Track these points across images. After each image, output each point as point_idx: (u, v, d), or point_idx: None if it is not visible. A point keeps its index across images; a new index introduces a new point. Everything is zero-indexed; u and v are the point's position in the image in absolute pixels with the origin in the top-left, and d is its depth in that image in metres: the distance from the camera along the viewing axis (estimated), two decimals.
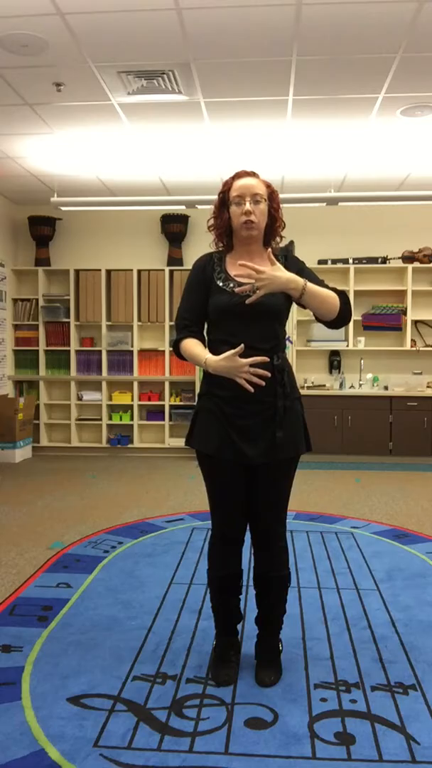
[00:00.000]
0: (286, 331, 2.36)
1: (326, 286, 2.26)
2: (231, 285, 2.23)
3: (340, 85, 4.29)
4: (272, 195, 2.29)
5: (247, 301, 2.12)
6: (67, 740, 1.96)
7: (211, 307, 2.28)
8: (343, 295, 2.26)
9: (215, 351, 2.25)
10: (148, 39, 3.70)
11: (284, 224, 2.35)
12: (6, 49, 3.79)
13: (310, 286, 2.17)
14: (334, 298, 2.22)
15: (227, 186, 2.29)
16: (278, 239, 2.37)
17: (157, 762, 1.87)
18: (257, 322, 2.21)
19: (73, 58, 3.93)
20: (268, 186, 2.30)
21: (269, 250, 2.20)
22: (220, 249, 2.37)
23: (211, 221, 2.35)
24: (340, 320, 2.26)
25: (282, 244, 2.41)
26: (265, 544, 2.34)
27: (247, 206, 2.21)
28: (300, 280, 2.15)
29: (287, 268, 2.25)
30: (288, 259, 2.33)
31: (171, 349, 7.30)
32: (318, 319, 2.29)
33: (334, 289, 2.26)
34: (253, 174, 2.30)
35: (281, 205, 2.34)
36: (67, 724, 2.04)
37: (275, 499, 2.30)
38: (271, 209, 2.28)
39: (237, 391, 2.17)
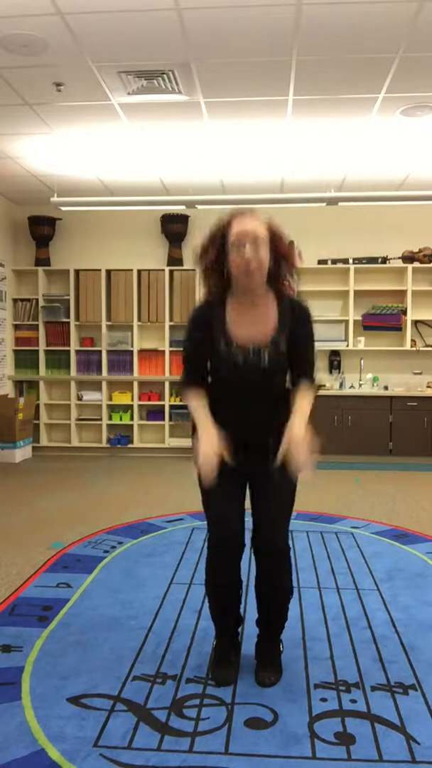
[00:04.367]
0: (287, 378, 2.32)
1: (312, 346, 2.26)
2: (233, 348, 2.17)
3: (340, 85, 4.29)
4: (275, 236, 2.15)
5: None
6: (67, 740, 1.96)
7: (211, 364, 2.25)
8: (312, 373, 2.27)
9: (216, 391, 2.26)
10: (148, 39, 3.70)
11: (296, 267, 2.21)
12: (6, 49, 3.79)
13: (304, 425, 2.16)
14: (310, 405, 2.23)
15: (225, 227, 2.14)
16: (288, 282, 2.21)
17: (157, 762, 1.87)
18: (262, 385, 2.20)
19: (73, 58, 3.93)
20: (270, 226, 2.15)
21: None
22: (216, 293, 2.23)
23: (199, 258, 2.18)
24: None
25: None
26: (267, 558, 2.29)
27: (248, 253, 2.07)
28: (304, 438, 2.14)
29: (294, 320, 2.20)
30: (296, 311, 2.22)
31: (175, 348, 7.31)
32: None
33: (309, 360, 2.26)
34: (252, 214, 2.15)
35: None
36: (67, 724, 2.04)
37: (276, 508, 2.27)
38: (276, 248, 2.14)
39: (233, 423, 2.21)
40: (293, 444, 2.12)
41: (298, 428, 2.15)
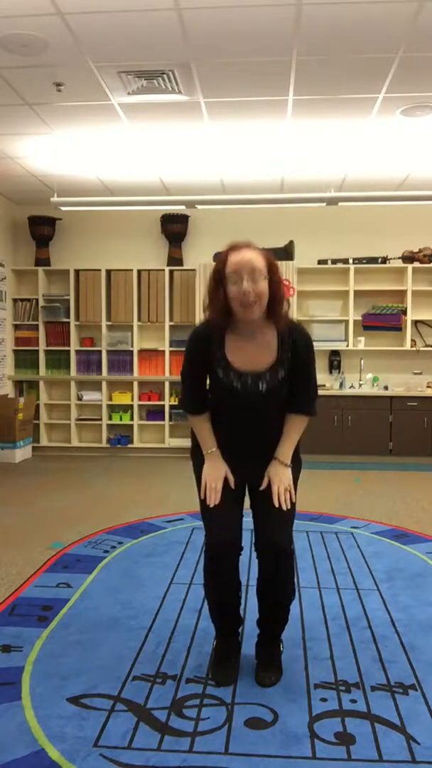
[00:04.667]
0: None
1: (313, 378, 2.27)
2: (231, 376, 2.19)
3: (340, 85, 4.29)
4: (272, 267, 2.13)
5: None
6: (67, 740, 1.96)
7: (211, 391, 2.28)
8: (312, 407, 2.28)
9: (214, 412, 2.30)
10: (148, 39, 3.70)
11: (289, 303, 2.21)
12: (6, 49, 3.79)
13: (290, 453, 2.26)
14: (303, 426, 2.30)
15: (222, 261, 2.12)
16: (284, 310, 2.18)
17: (157, 762, 1.87)
18: (260, 411, 2.22)
19: (73, 58, 3.93)
20: (267, 257, 2.13)
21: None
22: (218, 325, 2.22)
23: (207, 301, 2.18)
24: None
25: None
26: (266, 550, 2.30)
27: (245, 285, 2.06)
28: (288, 466, 2.25)
29: (295, 351, 2.19)
30: (296, 342, 2.20)
31: (175, 348, 7.31)
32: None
33: (308, 394, 2.27)
34: (248, 246, 2.14)
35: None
36: (67, 724, 2.04)
37: (278, 515, 2.26)
38: (272, 283, 2.12)
39: (231, 444, 2.27)
40: (276, 476, 2.22)
41: (283, 457, 2.24)
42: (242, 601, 2.46)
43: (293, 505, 2.29)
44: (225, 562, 2.28)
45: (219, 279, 2.13)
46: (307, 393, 2.27)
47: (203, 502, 2.29)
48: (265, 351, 2.19)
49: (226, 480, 2.27)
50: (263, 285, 2.09)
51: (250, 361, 2.18)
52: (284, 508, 2.21)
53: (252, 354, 2.19)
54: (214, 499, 2.22)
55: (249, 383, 2.17)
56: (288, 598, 2.36)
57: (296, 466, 2.31)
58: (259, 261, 2.09)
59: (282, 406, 2.27)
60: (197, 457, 2.35)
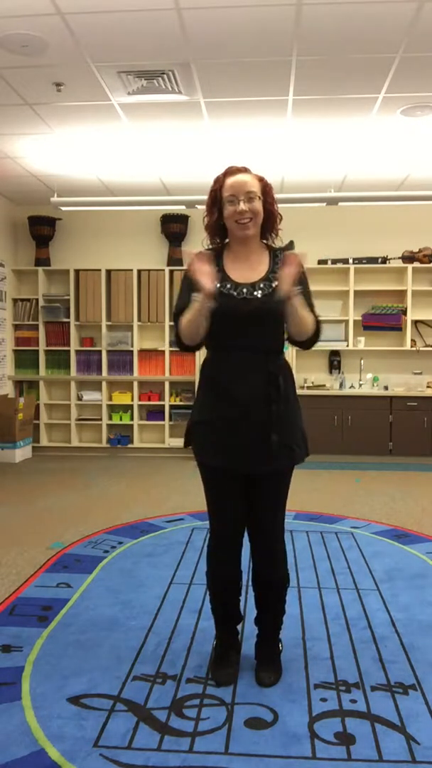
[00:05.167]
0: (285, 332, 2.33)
1: (312, 305, 2.26)
2: (229, 286, 2.21)
3: (340, 85, 4.29)
4: (266, 189, 2.26)
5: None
6: (67, 740, 1.96)
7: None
8: (318, 324, 2.25)
9: (213, 357, 2.28)
10: (148, 39, 3.70)
11: (281, 217, 2.33)
12: (6, 49, 3.79)
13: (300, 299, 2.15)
14: (312, 324, 2.22)
15: (219, 183, 2.27)
16: (276, 233, 2.35)
17: (157, 762, 1.87)
18: (257, 325, 2.20)
19: (73, 58, 3.93)
20: (261, 180, 2.27)
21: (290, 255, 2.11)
22: (215, 246, 2.34)
23: (206, 220, 2.32)
24: (306, 343, 2.27)
25: (281, 245, 2.40)
26: (263, 547, 2.33)
27: (241, 206, 2.18)
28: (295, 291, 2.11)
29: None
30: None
31: (175, 348, 7.32)
32: (288, 337, 2.29)
33: (316, 318, 2.25)
34: (245, 170, 2.28)
35: (280, 205, 2.32)
36: (67, 724, 2.04)
37: (273, 503, 2.30)
38: (266, 204, 2.25)
39: (230, 398, 2.18)
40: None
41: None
42: (242, 592, 2.46)
43: (285, 499, 2.31)
44: (227, 545, 2.32)
45: (215, 201, 2.26)
46: (307, 299, 2.24)
47: (208, 491, 2.31)
48: (259, 266, 2.27)
49: (228, 477, 2.24)
50: (258, 205, 2.22)
51: (245, 275, 2.25)
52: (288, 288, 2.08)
53: (247, 268, 2.26)
54: (206, 284, 2.07)
55: (245, 290, 2.21)
56: (283, 584, 2.38)
57: (302, 452, 2.28)
58: (253, 183, 2.23)
59: (280, 329, 2.25)
60: (200, 465, 2.32)
